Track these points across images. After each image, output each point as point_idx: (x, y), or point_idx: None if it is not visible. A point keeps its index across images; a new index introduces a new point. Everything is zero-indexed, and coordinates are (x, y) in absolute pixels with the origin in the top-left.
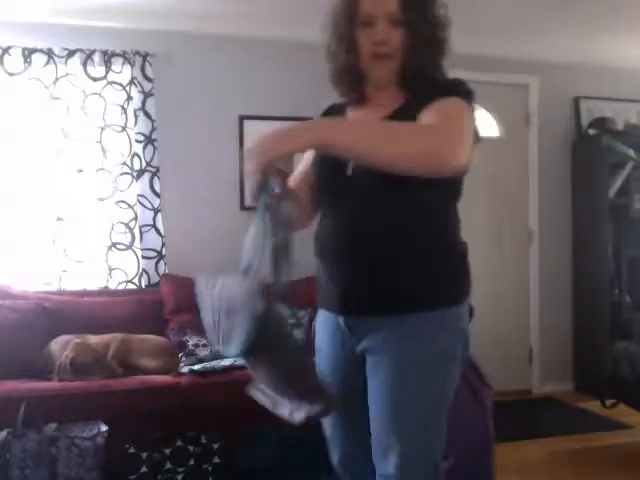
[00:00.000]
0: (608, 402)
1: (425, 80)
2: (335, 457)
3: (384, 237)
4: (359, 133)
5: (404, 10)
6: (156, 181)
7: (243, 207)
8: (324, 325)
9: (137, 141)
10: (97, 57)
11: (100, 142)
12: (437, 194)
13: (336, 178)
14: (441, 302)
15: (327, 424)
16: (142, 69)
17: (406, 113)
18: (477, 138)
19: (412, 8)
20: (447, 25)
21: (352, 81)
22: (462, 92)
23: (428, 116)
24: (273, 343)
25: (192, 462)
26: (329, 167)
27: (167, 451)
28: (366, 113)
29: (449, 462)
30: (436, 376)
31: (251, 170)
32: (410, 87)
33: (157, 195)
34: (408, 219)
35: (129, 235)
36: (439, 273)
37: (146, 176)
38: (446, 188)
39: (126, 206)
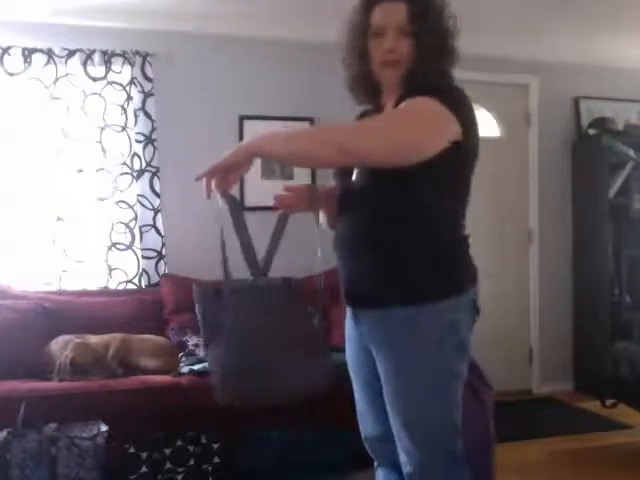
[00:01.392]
0: (608, 402)
1: (427, 85)
2: (362, 435)
3: (385, 237)
4: (282, 141)
5: (412, 21)
6: (156, 181)
7: (243, 207)
8: (348, 314)
9: (137, 141)
10: (97, 57)
11: (100, 142)
12: (433, 194)
13: (346, 185)
14: (435, 296)
15: (357, 403)
16: (142, 69)
17: None
18: (466, 133)
19: (420, 20)
20: (455, 35)
21: (366, 88)
22: (435, 93)
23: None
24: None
25: (192, 462)
26: (341, 176)
27: (167, 451)
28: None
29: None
30: (433, 365)
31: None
32: (411, 91)
33: (157, 195)
34: (406, 219)
35: (129, 235)
36: (434, 270)
37: (146, 176)
38: (443, 188)
39: (126, 206)
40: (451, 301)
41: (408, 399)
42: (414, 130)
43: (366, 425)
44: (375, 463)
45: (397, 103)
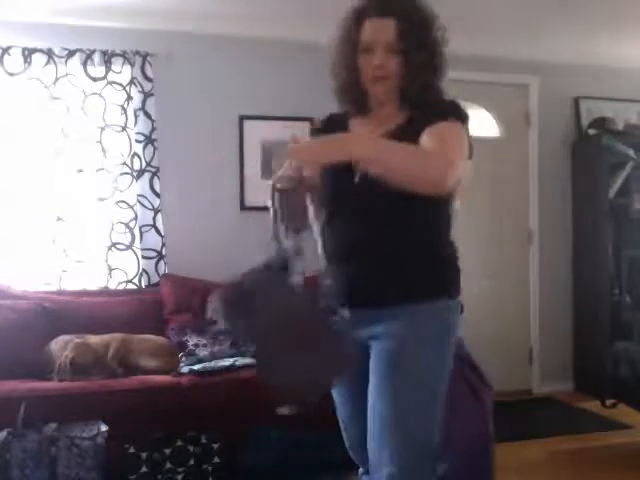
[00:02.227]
0: (608, 402)
1: (423, 100)
2: (346, 442)
3: (385, 239)
4: (385, 152)
5: (400, 39)
6: (156, 181)
7: (243, 207)
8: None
9: (137, 141)
10: (97, 57)
11: (100, 142)
12: (433, 199)
13: (344, 185)
14: (432, 296)
15: (339, 409)
16: (142, 69)
17: (409, 130)
18: (471, 154)
19: (408, 37)
20: (443, 50)
21: (354, 98)
22: (458, 115)
23: (428, 139)
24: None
25: (192, 462)
26: (338, 175)
27: (167, 451)
28: (367, 126)
29: (449, 462)
30: (429, 363)
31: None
32: (409, 106)
33: (157, 195)
34: (407, 222)
35: (129, 235)
36: (432, 271)
37: (146, 176)
38: (446, 199)
39: (126, 206)
40: (448, 302)
41: (406, 397)
42: (462, 160)
43: (352, 433)
44: (360, 470)
45: (407, 122)
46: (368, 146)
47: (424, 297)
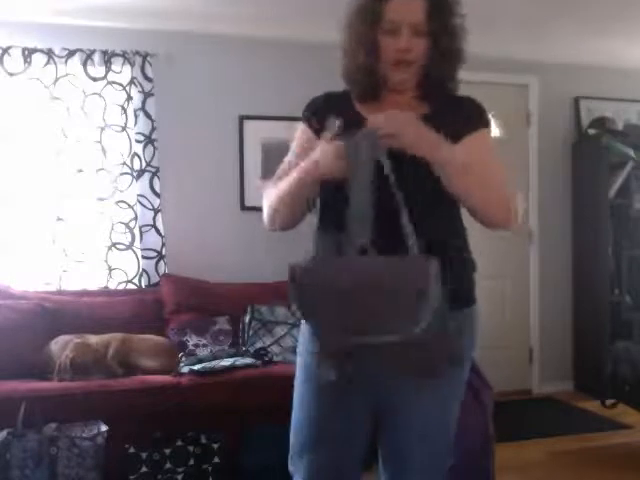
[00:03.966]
0: (608, 402)
1: (444, 91)
2: (311, 467)
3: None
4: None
5: (429, 20)
6: (156, 181)
7: (243, 207)
8: None
9: (137, 141)
10: (97, 57)
11: (100, 142)
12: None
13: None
14: (465, 303)
15: (311, 422)
16: (142, 69)
17: (433, 123)
18: None
19: (437, 19)
20: (465, 35)
21: (369, 81)
22: (488, 123)
23: (489, 165)
24: None
25: (192, 462)
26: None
27: (167, 451)
28: (381, 113)
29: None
30: (461, 374)
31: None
32: (429, 96)
33: (157, 195)
34: (443, 224)
35: (129, 235)
36: (466, 276)
37: (146, 176)
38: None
39: (126, 206)
40: (475, 307)
41: (444, 411)
42: None
43: (324, 452)
44: None
45: (430, 114)
46: (458, 152)
47: (461, 303)
